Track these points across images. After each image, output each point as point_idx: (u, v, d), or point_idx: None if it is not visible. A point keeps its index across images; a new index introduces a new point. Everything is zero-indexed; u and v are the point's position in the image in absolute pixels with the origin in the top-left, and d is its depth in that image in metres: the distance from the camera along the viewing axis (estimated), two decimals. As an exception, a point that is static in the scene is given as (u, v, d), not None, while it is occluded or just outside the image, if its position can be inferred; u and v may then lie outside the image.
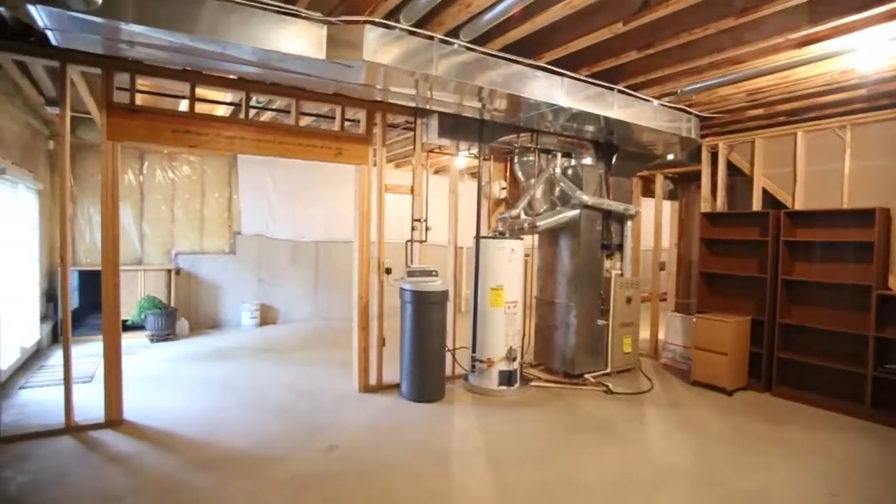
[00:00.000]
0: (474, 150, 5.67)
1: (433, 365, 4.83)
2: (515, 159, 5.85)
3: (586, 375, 5.62)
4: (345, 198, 9.00)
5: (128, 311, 6.98)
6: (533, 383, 5.41)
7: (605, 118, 4.32)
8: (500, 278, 5.07)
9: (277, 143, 4.45)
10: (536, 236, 6.08)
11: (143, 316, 6.82)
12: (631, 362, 6.05)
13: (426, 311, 4.76)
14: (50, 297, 6.83)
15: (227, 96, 5.08)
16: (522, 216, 5.61)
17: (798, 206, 5.23)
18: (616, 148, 5.77)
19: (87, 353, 6.20)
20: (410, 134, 6.23)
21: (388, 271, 5.04)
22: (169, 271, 7.41)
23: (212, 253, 8.04)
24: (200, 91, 4.80)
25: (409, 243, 5.22)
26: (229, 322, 8.13)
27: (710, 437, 4.15)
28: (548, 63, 3.85)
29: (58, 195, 6.92)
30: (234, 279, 8.17)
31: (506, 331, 5.10)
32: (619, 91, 4.28)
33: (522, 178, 5.83)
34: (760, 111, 4.90)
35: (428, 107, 4.28)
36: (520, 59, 3.70)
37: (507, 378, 5.11)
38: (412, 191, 5.20)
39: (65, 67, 3.75)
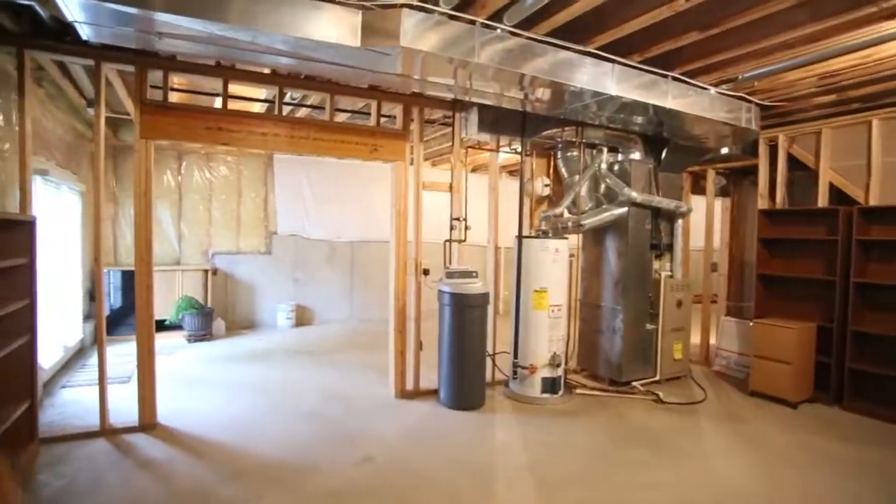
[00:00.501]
0: (515, 146, 5.41)
1: (473, 371, 4.60)
2: (558, 154, 5.57)
3: (634, 383, 5.29)
4: (381, 197, 8.93)
5: (166, 311, 7.01)
6: (577, 391, 5.12)
7: (656, 108, 3.99)
8: (544, 280, 4.81)
9: (311, 139, 4.30)
10: (580, 236, 5.77)
11: (181, 316, 6.83)
12: (681, 370, 5.68)
13: (466, 314, 4.54)
14: (93, 296, 6.90)
15: (262, 93, 4.98)
16: (566, 214, 5.33)
17: (873, 202, 4.77)
18: (666, 141, 5.41)
19: (127, 353, 6.21)
20: (448, 130, 6.04)
21: (426, 272, 4.83)
22: (206, 271, 7.42)
23: (248, 253, 8.02)
24: (234, 88, 4.72)
25: (447, 243, 5.01)
26: (265, 323, 8.09)
27: (777, 455, 3.78)
28: (597, 49, 3.57)
29: (91, 194, 7.01)
30: (270, 279, 8.13)
31: (549, 336, 4.83)
32: (674, 78, 3.95)
33: (566, 175, 5.54)
34: (831, 97, 4.47)
35: (467, 98, 4.05)
36: (568, 44, 3.43)
37: (550, 385, 4.84)
38: (451, 188, 4.98)
39: (99, 65, 3.69)
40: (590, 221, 5.21)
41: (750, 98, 4.39)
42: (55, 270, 5.45)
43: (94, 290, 6.83)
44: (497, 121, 4.79)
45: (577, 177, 5.39)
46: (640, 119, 4.56)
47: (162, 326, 7.01)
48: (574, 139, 5.13)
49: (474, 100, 4.10)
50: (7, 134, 4.17)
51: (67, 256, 5.90)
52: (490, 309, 4.88)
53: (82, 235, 6.30)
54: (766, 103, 4.54)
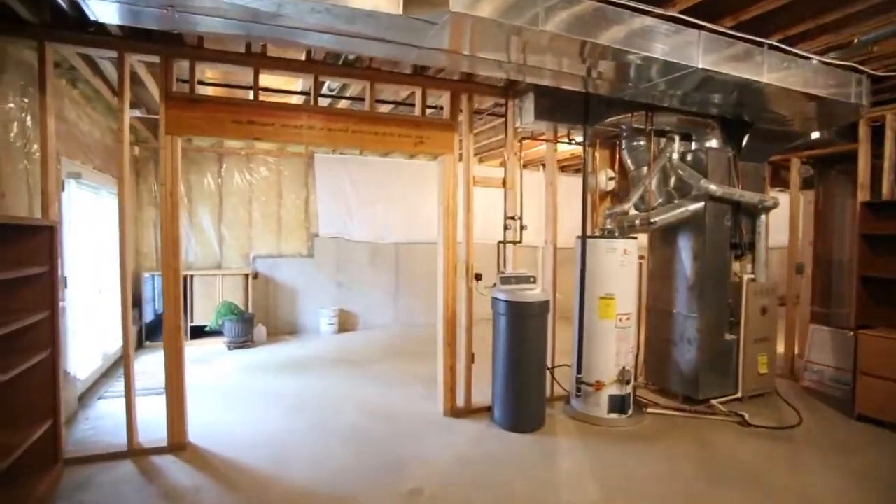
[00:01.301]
0: (574, 136, 4.87)
1: (531, 388, 4.10)
2: (623, 145, 4.98)
3: (713, 401, 4.66)
4: (426, 197, 8.54)
5: (206, 317, 6.81)
6: (649, 410, 4.53)
7: (744, 85, 3.38)
8: (611, 285, 4.25)
9: (350, 132, 3.89)
10: (645, 235, 5.16)
11: (221, 322, 6.60)
12: (767, 385, 4.99)
13: (524, 324, 4.04)
14: (135, 301, 6.78)
15: (298, 85, 4.63)
16: (633, 211, 4.75)
17: None
18: (748, 126, 4.75)
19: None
20: (498, 121, 5.55)
21: (478, 277, 4.36)
22: (246, 276, 7.19)
23: (289, 256, 7.76)
24: (268, 81, 4.38)
25: (501, 245, 4.52)
26: (307, 328, 7.81)
27: (908, 498, 3.12)
28: (680, 13, 3.00)
29: (130, 198, 6.88)
30: (312, 283, 7.85)
31: (617, 348, 4.27)
32: (771, 47, 3.33)
33: (632, 167, 4.95)
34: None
35: (522, 79, 3.54)
36: (647, 7, 2.88)
37: (618, 404, 4.28)
38: (504, 184, 4.49)
39: (122, 57, 3.40)
40: (662, 218, 4.62)
41: (861, 68, 3.69)
42: (95, 275, 5.28)
43: (135, 296, 6.70)
44: (555, 107, 4.27)
45: (644, 169, 4.79)
46: (718, 98, 3.93)
47: (202, 332, 6.82)
48: (642, 126, 4.55)
49: (530, 80, 3.59)
50: (38, 135, 3.97)
51: (107, 261, 5.74)
52: (550, 318, 4.36)
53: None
54: (881, 74, 3.82)
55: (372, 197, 8.09)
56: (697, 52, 3.05)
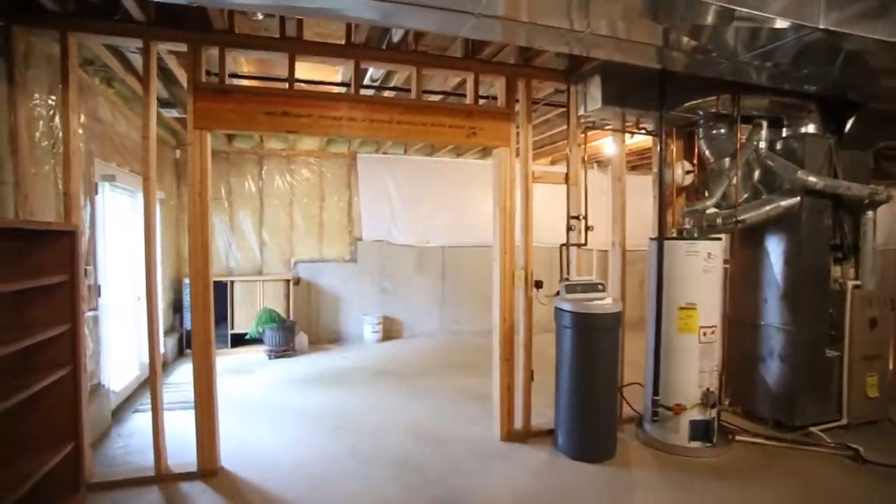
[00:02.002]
0: (645, 125, 4.32)
1: (601, 412, 3.58)
2: (700, 133, 4.38)
3: (812, 429, 4.00)
4: (473, 198, 8.09)
5: (246, 324, 6.57)
6: (737, 437, 3.92)
7: (861, 52, 2.77)
8: (693, 294, 3.68)
9: (395, 123, 3.48)
10: (726, 236, 4.54)
11: (261, 330, 6.34)
12: (878, 411, 4.28)
13: (593, 339, 3.53)
14: (176, 307, 6.62)
15: (338, 76, 4.27)
16: (714, 209, 4.15)
17: None
18: (854, 107, 4.08)
19: (205, 371, 5.80)
20: (553, 113, 5.06)
21: (539, 285, 3.88)
22: (287, 281, 6.92)
23: (331, 261, 7.46)
24: (305, 72, 4.04)
25: (563, 248, 4.02)
26: (350, 336, 7.48)
27: None
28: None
29: (152, 198, 6.71)
30: (355, 289, 7.52)
31: (700, 366, 3.70)
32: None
33: (711, 159, 4.34)
34: None
35: (585, 53, 3.03)
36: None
37: (702, 431, 3.70)
38: (567, 179, 3.99)
39: (148, 45, 3.12)
40: (751, 216, 4.01)
41: None
42: (132, 281, 5.08)
43: (177, 302, 6.53)
44: (625, 91, 3.75)
45: (727, 160, 4.19)
46: (825, 73, 3.30)
47: (243, 340, 6.59)
48: (726, 111, 3.96)
49: (595, 54, 3.09)
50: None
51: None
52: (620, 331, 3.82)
53: (163, 244, 5.96)
54: None
55: (417, 198, 7.71)
56: (819, 8, 2.47)
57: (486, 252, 8.25)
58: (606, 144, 5.94)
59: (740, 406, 4.52)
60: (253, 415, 4.46)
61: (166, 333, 6.17)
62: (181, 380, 5.46)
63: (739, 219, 3.97)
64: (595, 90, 3.78)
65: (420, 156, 7.71)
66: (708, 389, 3.70)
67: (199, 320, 3.20)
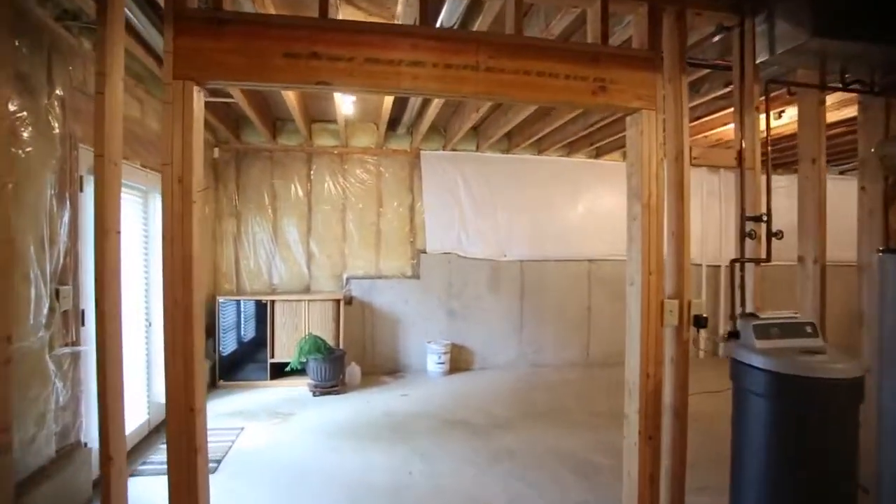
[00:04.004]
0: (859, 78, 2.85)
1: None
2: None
3: None
4: (558, 202, 6.60)
5: (289, 352, 5.49)
6: None
7: None
8: None
9: (482, 70, 2.23)
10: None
11: (305, 361, 5.24)
12: None
13: (811, 419, 2.10)
14: (209, 331, 5.64)
15: (397, 15, 3.05)
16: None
17: None
18: None
19: (234, 411, 4.75)
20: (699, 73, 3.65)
21: (701, 322, 2.48)
22: (337, 301, 5.80)
23: (390, 277, 6.30)
24: (347, 13, 2.87)
25: (735, 265, 2.61)
26: (411, 367, 6.27)
27: None
28: None
29: (213, 209, 5.73)
30: (418, 311, 6.31)
31: None
32: None
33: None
34: None
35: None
36: None
37: None
38: (739, 160, 2.59)
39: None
40: None
41: None
42: (141, 305, 4.09)
43: (209, 326, 5.55)
44: (848, 16, 2.33)
45: None
46: None
47: (282, 372, 5.51)
48: None
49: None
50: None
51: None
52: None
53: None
54: None
55: (491, 203, 6.44)
56: None
57: (574, 267, 6.94)
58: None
59: None
60: (279, 489, 3.29)
61: (195, 363, 5.18)
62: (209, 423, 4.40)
63: None
64: (793, 18, 2.38)
65: (495, 152, 6.45)
66: None
67: (175, 377, 2.04)
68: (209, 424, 4.35)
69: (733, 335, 2.38)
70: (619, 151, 6.75)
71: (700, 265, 7.08)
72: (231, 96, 4.27)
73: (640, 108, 2.43)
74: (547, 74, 2.30)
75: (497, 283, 6.53)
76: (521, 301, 6.61)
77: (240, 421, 4.48)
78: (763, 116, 2.62)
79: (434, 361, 6.13)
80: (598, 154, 6.81)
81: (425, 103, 5.00)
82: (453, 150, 6.32)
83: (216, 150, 5.89)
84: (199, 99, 2.08)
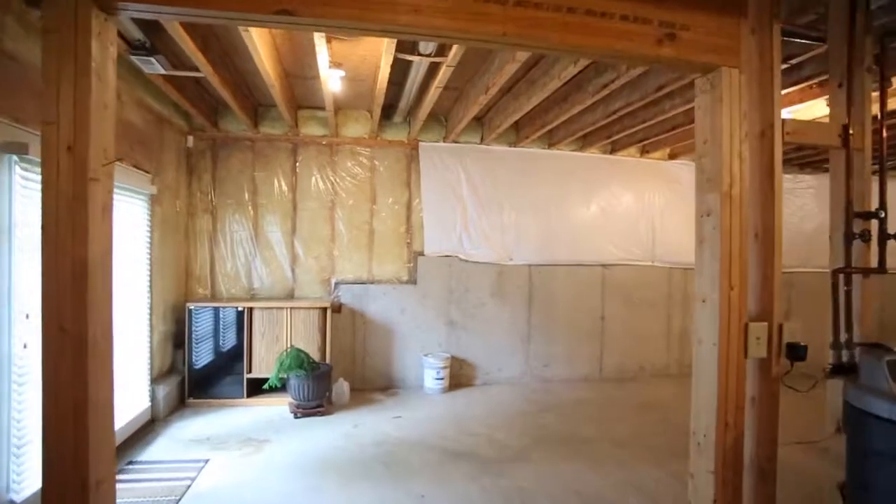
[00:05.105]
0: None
1: None
2: None
3: None
4: (570, 200, 5.95)
5: (268, 366, 4.84)
6: None
7: None
8: None
9: (511, 5, 1.60)
10: None
11: (285, 377, 4.59)
12: None
13: None
14: (178, 342, 4.99)
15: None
16: None
17: None
18: None
19: (199, 436, 4.10)
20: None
21: (800, 354, 1.85)
22: (324, 309, 5.15)
23: (383, 282, 5.66)
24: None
25: (839, 275, 1.98)
26: (406, 382, 5.63)
27: None
28: None
29: (186, 204, 5.06)
30: (414, 320, 5.68)
31: None
32: None
33: None
34: None
35: None
36: None
37: None
38: (844, 139, 1.97)
39: None
40: None
41: None
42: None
43: (178, 335, 4.90)
44: None
45: None
46: None
47: (260, 390, 4.85)
48: None
49: None
50: None
51: (126, 288, 3.93)
52: None
53: (150, 259, 4.34)
54: None
55: (497, 201, 5.82)
56: None
57: (587, 273, 6.29)
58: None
59: None
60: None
61: (158, 378, 4.53)
62: (168, 454, 3.75)
63: None
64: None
65: (501, 145, 5.83)
66: None
67: (58, 439, 1.38)
68: (167, 456, 3.73)
69: (842, 370, 1.76)
70: (635, 146, 6.16)
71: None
72: (197, 69, 3.62)
73: (719, 65, 1.80)
74: (598, 14, 1.67)
75: (502, 289, 5.89)
76: (529, 310, 5.98)
77: (205, 450, 3.83)
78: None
79: (432, 377, 5.48)
80: (614, 149, 6.20)
81: (425, 87, 4.39)
82: (455, 141, 5.70)
83: (190, 138, 5.25)
84: (104, 30, 1.43)
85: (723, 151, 1.82)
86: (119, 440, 3.73)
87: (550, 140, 5.89)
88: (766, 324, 1.84)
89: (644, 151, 6.37)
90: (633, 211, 6.27)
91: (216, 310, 5.06)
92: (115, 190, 3.60)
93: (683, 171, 6.41)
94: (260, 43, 3.31)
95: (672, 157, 6.51)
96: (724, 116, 1.82)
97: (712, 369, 1.83)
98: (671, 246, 6.33)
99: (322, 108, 5.10)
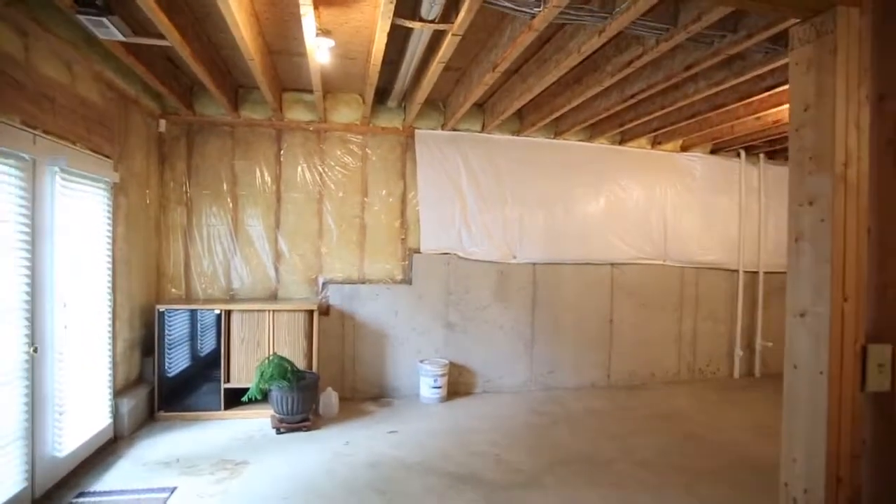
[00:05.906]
0: None
1: None
2: None
3: None
4: (577, 193, 5.50)
5: (248, 375, 4.37)
6: None
7: None
8: None
9: None
10: None
11: (267, 389, 4.11)
12: None
13: None
14: (146, 349, 4.49)
15: None
16: None
17: None
18: None
19: (168, 457, 3.61)
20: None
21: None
22: (311, 311, 4.67)
23: (376, 282, 5.19)
24: None
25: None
26: (401, 390, 5.17)
27: None
28: None
29: (157, 196, 4.54)
30: (410, 323, 5.21)
31: None
32: None
33: None
34: None
35: None
36: None
37: None
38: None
39: None
40: None
41: None
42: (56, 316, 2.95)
43: (146, 341, 4.41)
44: None
45: None
46: None
47: (239, 401, 4.37)
48: None
49: None
50: None
51: (84, 289, 3.43)
52: None
53: (112, 256, 3.83)
54: None
55: (499, 195, 5.37)
56: None
57: (594, 272, 5.82)
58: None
59: None
60: None
61: (122, 391, 4.03)
62: (131, 481, 3.27)
63: None
64: None
65: (503, 134, 5.38)
66: None
67: None
68: (126, 484, 3.24)
69: None
70: (646, 137, 5.75)
71: (735, 271, 6.13)
72: (163, 37, 3.12)
73: (834, 2, 1.35)
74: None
75: (504, 289, 5.45)
76: (533, 312, 5.54)
77: (173, 475, 3.34)
78: None
79: (429, 385, 5.03)
80: (623, 139, 5.78)
81: (423, 65, 3.92)
82: (454, 129, 5.24)
83: (162, 122, 4.74)
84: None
85: (836, 120, 1.38)
86: (70, 467, 3.24)
87: (557, 129, 5.46)
88: (889, 346, 1.41)
89: (655, 142, 5.95)
90: (644, 206, 5.85)
91: (191, 312, 4.56)
92: (66, 176, 3.13)
93: (697, 163, 6.02)
94: (236, 6, 2.82)
95: (684, 148, 6.11)
96: (840, 72, 1.38)
97: (818, 405, 1.40)
98: (684, 244, 5.94)
99: (309, 91, 4.61)
